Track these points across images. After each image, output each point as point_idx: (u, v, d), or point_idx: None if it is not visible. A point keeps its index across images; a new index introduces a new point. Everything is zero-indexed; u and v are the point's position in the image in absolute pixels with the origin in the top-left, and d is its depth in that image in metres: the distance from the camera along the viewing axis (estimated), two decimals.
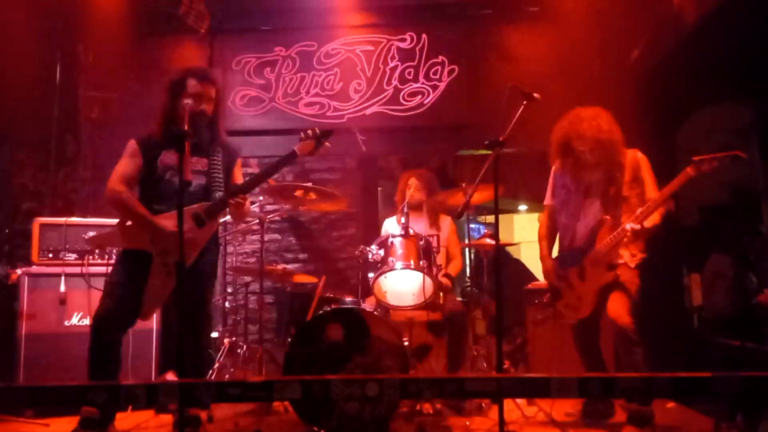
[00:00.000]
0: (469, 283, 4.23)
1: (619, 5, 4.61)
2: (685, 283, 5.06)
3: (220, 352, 4.34)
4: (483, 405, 3.78)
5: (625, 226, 3.25)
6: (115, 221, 3.37)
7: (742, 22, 3.99)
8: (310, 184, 3.92)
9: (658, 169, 3.47)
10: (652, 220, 3.27)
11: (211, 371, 4.13)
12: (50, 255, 4.21)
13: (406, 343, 3.42)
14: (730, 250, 4.58)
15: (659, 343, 4.17)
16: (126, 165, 3.22)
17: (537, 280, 4.91)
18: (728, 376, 1.85)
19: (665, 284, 4.63)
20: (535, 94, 3.09)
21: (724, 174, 3.15)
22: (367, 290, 3.72)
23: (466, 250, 4.40)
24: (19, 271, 4.06)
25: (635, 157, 3.44)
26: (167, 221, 3.05)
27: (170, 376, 3.48)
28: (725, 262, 4.54)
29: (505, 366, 4.22)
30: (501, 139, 2.95)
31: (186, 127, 2.93)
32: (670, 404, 3.82)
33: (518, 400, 3.84)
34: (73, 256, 4.22)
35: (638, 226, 3.21)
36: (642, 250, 3.43)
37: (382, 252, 3.69)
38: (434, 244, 4.03)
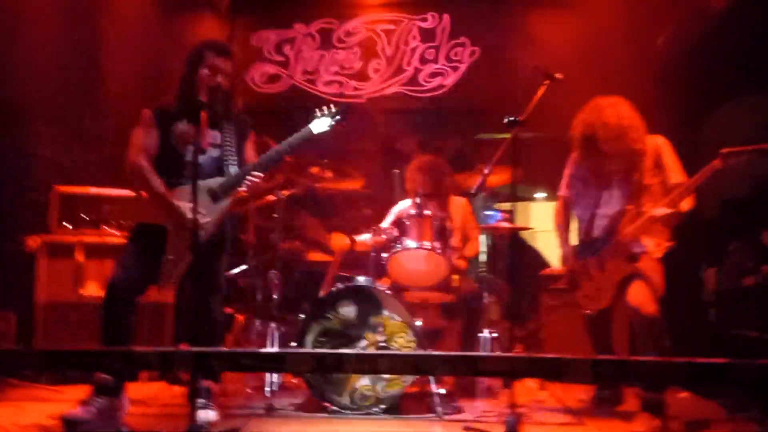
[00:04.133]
0: (483, 268, 4.19)
1: None
2: (702, 275, 5.00)
3: (234, 329, 4.36)
4: (494, 388, 3.77)
5: (654, 211, 3.19)
6: (131, 193, 3.38)
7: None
8: (326, 161, 3.90)
9: (686, 159, 3.40)
10: (688, 204, 3.22)
11: (222, 346, 4.14)
12: (68, 225, 4.25)
13: (419, 324, 3.41)
14: (751, 244, 4.51)
15: (676, 335, 4.13)
16: (144, 136, 3.21)
17: (551, 267, 4.88)
18: (746, 363, 1.83)
19: (684, 276, 4.57)
20: (558, 74, 3.04)
21: (747, 167, 3.09)
22: (381, 270, 3.71)
23: (482, 235, 4.38)
24: (37, 240, 4.10)
25: (656, 144, 3.38)
26: (182, 200, 3.04)
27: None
28: (745, 255, 4.47)
29: (518, 351, 4.20)
30: (521, 118, 2.91)
31: (203, 98, 2.93)
32: (683, 394, 3.78)
33: (530, 385, 3.83)
34: (91, 226, 4.26)
35: (668, 211, 3.15)
36: (668, 239, 3.38)
37: (396, 232, 3.68)
38: (449, 226, 4.01)
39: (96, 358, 2.19)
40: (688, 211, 3.22)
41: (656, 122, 3.42)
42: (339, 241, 4.17)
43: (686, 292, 4.64)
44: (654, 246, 3.34)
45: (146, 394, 3.65)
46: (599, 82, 4.14)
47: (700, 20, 4.41)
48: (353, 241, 4.07)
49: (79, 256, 4.16)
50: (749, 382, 2.07)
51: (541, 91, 3.06)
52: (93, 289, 4.17)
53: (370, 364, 2.14)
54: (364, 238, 3.87)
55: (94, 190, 4.33)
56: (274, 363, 2.31)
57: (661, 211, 3.16)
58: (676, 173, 3.32)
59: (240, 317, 4.43)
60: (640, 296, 3.25)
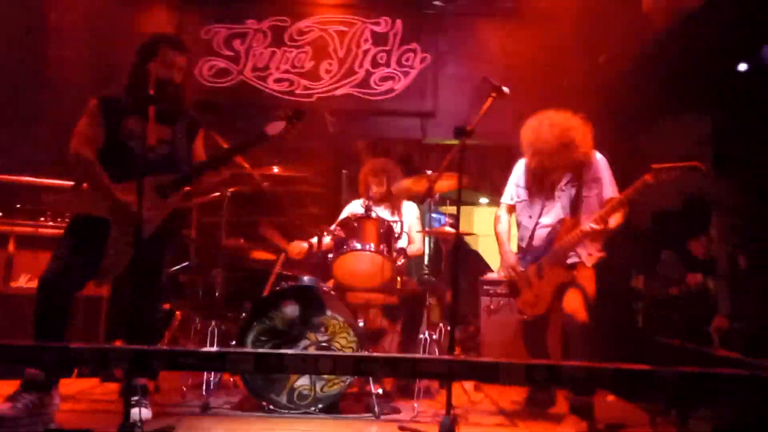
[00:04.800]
0: (426, 271, 4.27)
1: (591, 8, 4.69)
2: (633, 284, 5.24)
3: (171, 324, 4.29)
4: (431, 389, 3.85)
5: (585, 226, 3.33)
6: (70, 183, 3.29)
7: (705, 34, 4.12)
8: (276, 161, 3.90)
9: (620, 172, 3.56)
10: (617, 220, 3.36)
11: (159, 342, 4.08)
12: (0, 214, 4.09)
13: (361, 324, 3.45)
14: (679, 254, 4.76)
15: (607, 340, 4.32)
16: (89, 126, 3.13)
17: (492, 271, 5.01)
18: (666, 370, 1.95)
19: (617, 285, 4.78)
20: (505, 88, 3.14)
21: (678, 182, 3.26)
22: (326, 270, 3.73)
23: (426, 238, 4.46)
24: None
25: (594, 158, 3.53)
26: (128, 194, 2.98)
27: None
28: (673, 266, 4.71)
29: (456, 353, 4.30)
30: (468, 128, 2.99)
31: (152, 92, 2.89)
32: (610, 398, 3.96)
33: (466, 386, 3.92)
34: (25, 216, 4.12)
35: (598, 226, 3.30)
36: (599, 249, 3.53)
37: (343, 233, 3.71)
38: (396, 230, 4.07)
39: (30, 353, 2.14)
40: (617, 227, 3.37)
41: (597, 135, 3.56)
42: (297, 248, 4.17)
43: (619, 300, 4.85)
44: (587, 256, 3.48)
45: (78, 390, 3.56)
46: (544, 93, 4.27)
47: (640, 41, 4.62)
48: (311, 246, 4.09)
49: (11, 247, 4.01)
50: (669, 388, 2.21)
51: (488, 103, 3.15)
52: (25, 282, 4.03)
53: (311, 365, 2.17)
54: (325, 242, 3.89)
55: (29, 178, 4.18)
56: (215, 362, 2.30)
57: (591, 226, 3.30)
58: (611, 188, 3.47)
59: (178, 313, 4.36)
60: (574, 304, 3.38)
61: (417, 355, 3.36)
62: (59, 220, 4.13)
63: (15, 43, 4.90)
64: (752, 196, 5.07)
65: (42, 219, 4.18)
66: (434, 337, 3.87)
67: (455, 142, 3.11)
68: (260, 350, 2.36)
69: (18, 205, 4.17)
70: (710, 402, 2.83)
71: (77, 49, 5.24)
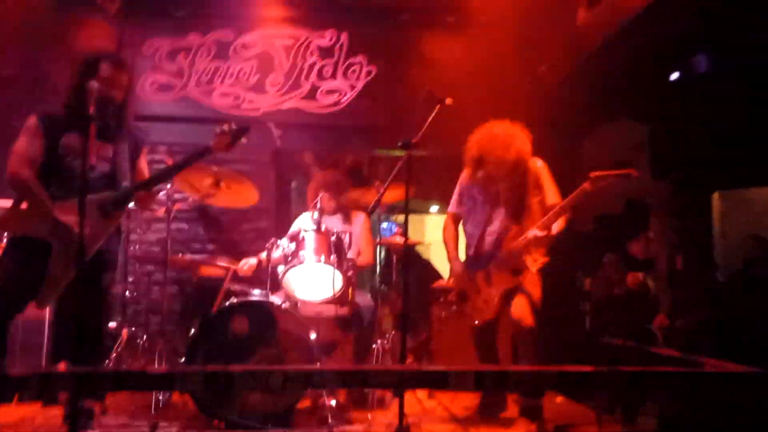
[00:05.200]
0: (379, 281, 4.30)
1: (530, 20, 4.84)
2: (579, 285, 5.40)
3: (118, 343, 4.19)
4: (385, 399, 3.87)
5: (528, 234, 3.43)
6: (8, 202, 3.18)
7: (639, 45, 4.31)
8: (219, 176, 3.85)
9: (563, 180, 3.68)
10: (558, 226, 3.47)
11: (107, 362, 3.98)
12: None
13: (313, 338, 3.44)
14: (620, 256, 4.93)
15: (555, 343, 4.43)
16: (28, 145, 3.05)
17: (443, 278, 5.07)
18: (606, 370, 2.03)
19: (563, 288, 4.92)
20: (448, 100, 3.21)
21: (618, 187, 3.39)
22: (276, 283, 3.72)
23: (378, 247, 4.50)
24: None
25: (535, 166, 3.64)
26: (69, 214, 2.91)
27: (63, 368, 3.34)
28: (615, 267, 4.88)
29: (409, 361, 4.34)
30: (413, 140, 3.05)
31: (92, 110, 2.83)
32: (559, 399, 4.06)
33: (419, 395, 3.96)
34: None
35: (541, 233, 3.40)
36: (544, 254, 3.63)
37: (293, 246, 3.70)
38: (346, 240, 4.08)
39: None
40: (559, 232, 3.49)
41: (539, 144, 3.67)
42: (246, 265, 4.13)
43: (565, 303, 4.99)
44: (532, 261, 3.58)
45: (19, 417, 3.43)
46: (488, 103, 4.37)
47: (577, 52, 4.79)
48: (260, 262, 4.06)
49: None
50: (612, 388, 2.30)
51: (432, 114, 3.21)
52: None
53: (261, 380, 2.16)
54: (275, 255, 3.86)
55: None
56: (163, 382, 2.27)
57: (534, 233, 3.40)
58: (552, 194, 3.59)
59: (125, 332, 4.26)
60: (521, 309, 3.48)
61: (367, 366, 3.38)
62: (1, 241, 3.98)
63: None
64: (687, 198, 5.31)
65: None
66: (387, 346, 3.90)
67: (403, 152, 3.17)
68: (209, 368, 2.33)
69: None
70: (653, 399, 2.94)
71: (9, 64, 5.07)
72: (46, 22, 5.13)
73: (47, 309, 3.90)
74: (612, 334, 4.47)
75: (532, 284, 3.57)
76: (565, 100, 4.93)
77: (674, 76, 4.89)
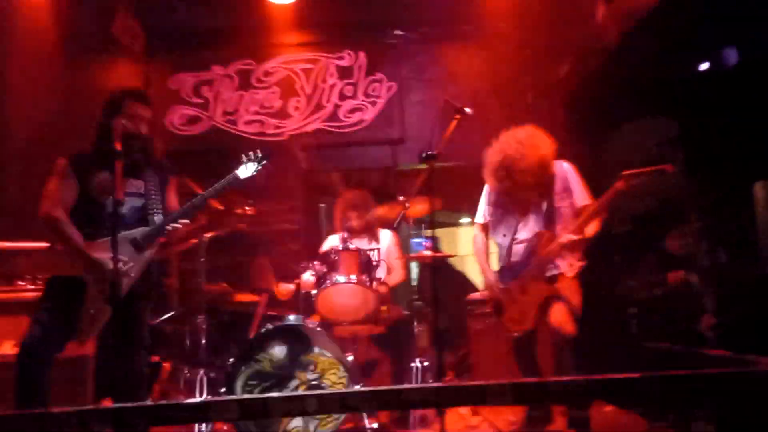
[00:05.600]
0: (416, 296, 4.27)
1: (547, 23, 4.79)
2: (618, 288, 5.25)
3: (161, 377, 4.23)
4: (427, 417, 3.80)
5: (562, 238, 3.35)
6: (45, 245, 3.26)
7: (660, 38, 4.21)
8: (251, 202, 3.90)
9: (591, 181, 3.59)
10: (593, 228, 3.39)
11: (148, 397, 4.01)
12: None
13: (350, 359, 3.42)
14: (658, 255, 4.78)
15: (598, 350, 4.31)
16: (59, 187, 3.12)
17: (478, 291, 4.99)
18: (653, 377, 1.95)
19: (602, 292, 4.79)
20: (467, 109, 3.18)
21: (652, 184, 3.29)
22: (310, 306, 3.71)
23: (411, 263, 4.47)
24: None
25: (562, 168, 3.56)
26: (103, 252, 2.96)
27: (107, 404, 3.38)
28: (653, 267, 4.73)
29: (449, 377, 4.27)
30: (435, 152, 3.02)
31: (119, 147, 2.88)
32: (608, 408, 3.93)
33: (462, 411, 3.88)
34: (3, 282, 4.06)
35: (575, 237, 3.32)
36: (579, 258, 3.54)
37: (324, 268, 3.70)
38: (375, 258, 4.06)
39: (7, 424, 2.09)
40: (594, 235, 3.39)
41: (562, 147, 3.60)
42: (284, 289, 4.14)
43: (605, 307, 4.85)
44: (567, 266, 3.49)
45: None
46: (508, 110, 4.34)
47: (599, 50, 4.71)
48: (298, 287, 4.08)
49: None
50: (659, 394, 2.21)
51: (453, 125, 3.18)
52: (7, 348, 3.96)
53: (296, 406, 2.14)
54: (306, 279, 3.87)
55: (4, 243, 4.14)
56: (198, 414, 2.26)
57: (568, 237, 3.32)
58: (582, 196, 3.50)
59: (167, 365, 4.30)
60: (560, 317, 3.38)
61: (403, 386, 3.32)
62: (38, 282, 4.08)
63: None
64: (726, 190, 5.13)
65: (21, 283, 4.12)
66: (425, 363, 3.84)
67: (426, 166, 3.14)
68: (244, 396, 2.33)
69: None
70: (706, 403, 2.82)
71: (40, 107, 5.23)
72: (74, 64, 5.30)
73: (91, 345, 3.96)
74: (657, 338, 4.32)
75: (570, 290, 3.48)
76: (588, 100, 4.85)
77: (703, 66, 4.76)
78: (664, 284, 4.64)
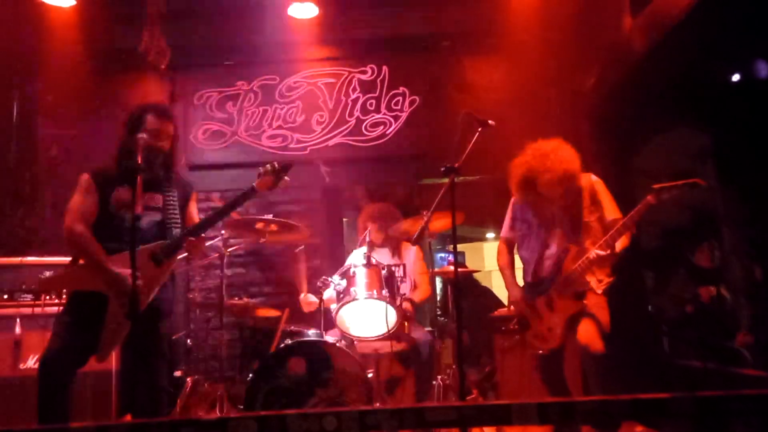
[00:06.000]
0: (439, 312, 4.21)
1: (572, 35, 4.74)
2: (648, 305, 5.11)
3: (183, 391, 4.22)
4: None
5: (591, 253, 3.26)
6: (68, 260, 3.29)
7: (689, 48, 4.12)
8: (270, 216, 3.88)
9: (619, 195, 3.51)
10: (622, 244, 3.29)
11: (171, 412, 4.00)
12: (5, 296, 4.09)
13: (370, 376, 3.37)
14: (688, 270, 4.64)
15: (628, 368, 4.18)
16: (83, 202, 3.14)
17: (505, 307, 4.91)
18: (684, 396, 1.86)
19: (632, 309, 4.67)
20: (490, 121, 3.12)
21: (683, 198, 3.20)
22: (331, 322, 3.67)
23: (435, 278, 4.41)
24: None
25: (590, 181, 3.48)
26: (123, 266, 2.97)
27: (130, 418, 3.36)
28: (684, 283, 4.59)
29: (473, 395, 4.18)
30: (456, 165, 2.97)
31: (140, 161, 2.90)
32: (639, 428, 3.80)
33: (486, 431, 3.79)
34: (29, 296, 4.11)
35: (604, 252, 3.23)
36: (609, 274, 3.44)
37: (344, 283, 3.66)
38: (399, 273, 4.01)
39: None
40: (623, 250, 3.30)
41: (589, 159, 3.53)
42: (308, 300, 4.12)
43: (635, 324, 4.72)
44: (596, 282, 3.39)
45: None
46: (533, 123, 4.28)
47: (627, 61, 4.63)
48: (321, 301, 4.05)
49: (18, 329, 3.99)
50: (691, 415, 2.11)
51: (474, 138, 3.13)
52: (33, 363, 3.99)
53: (315, 423, 2.10)
54: (328, 295, 3.84)
55: (32, 259, 4.19)
56: (215, 430, 2.23)
57: (598, 253, 3.23)
58: (611, 210, 3.41)
59: (189, 380, 4.29)
60: (588, 334, 3.28)
61: (425, 404, 3.25)
62: (64, 297, 4.12)
63: (4, 123, 5.00)
64: (760, 203, 4.97)
65: (47, 298, 4.17)
66: (447, 381, 3.76)
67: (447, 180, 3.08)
68: (261, 413, 2.29)
69: (23, 286, 4.17)
70: (741, 425, 2.70)
71: (67, 123, 5.33)
72: (100, 81, 5.40)
73: (114, 360, 3.98)
74: (689, 356, 4.18)
75: (599, 307, 3.38)
76: (615, 112, 4.76)
77: (735, 77, 4.64)
78: (696, 300, 4.50)
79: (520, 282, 3.67)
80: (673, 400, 1.88)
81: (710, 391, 1.83)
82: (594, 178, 3.49)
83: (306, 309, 4.13)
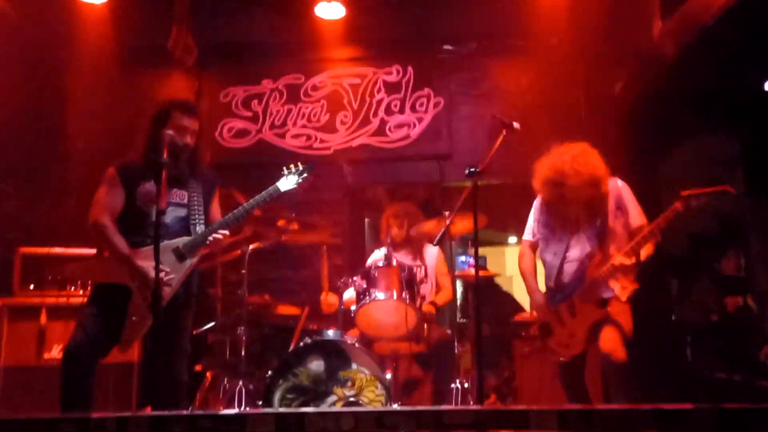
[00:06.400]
0: (459, 315, 4.19)
1: (602, 39, 4.68)
2: (673, 314, 5.03)
3: (203, 386, 4.25)
4: None
5: (615, 260, 3.22)
6: (93, 251, 3.34)
7: (720, 53, 4.05)
8: (292, 215, 3.90)
9: (643, 201, 3.45)
10: (647, 252, 3.24)
11: (191, 405, 4.04)
12: (31, 286, 4.16)
13: (389, 377, 3.36)
14: (713, 278, 4.56)
15: (651, 378, 4.12)
16: (108, 195, 3.19)
17: (525, 312, 4.87)
18: (708, 408, 1.82)
19: (656, 317, 4.60)
20: (515, 124, 3.10)
21: (711, 205, 3.14)
22: (350, 322, 3.68)
23: (457, 281, 4.39)
24: None
25: (616, 186, 3.42)
26: (147, 260, 3.00)
27: (150, 411, 3.40)
28: (708, 291, 4.51)
29: (491, 400, 4.15)
30: (480, 168, 2.95)
31: (165, 157, 2.93)
32: None
33: None
34: (55, 287, 4.18)
35: (628, 261, 3.18)
36: (633, 282, 3.39)
37: (364, 283, 3.66)
38: (420, 274, 4.00)
39: (49, 427, 2.11)
40: (648, 258, 3.25)
41: (616, 165, 3.48)
42: (329, 300, 4.13)
43: (659, 333, 4.65)
44: (620, 290, 3.34)
45: None
46: (560, 127, 4.23)
47: (655, 66, 4.57)
48: (341, 302, 4.05)
49: (43, 319, 4.06)
50: (715, 427, 2.06)
51: (499, 141, 3.11)
52: (57, 352, 4.06)
53: (332, 422, 2.10)
54: (349, 296, 3.85)
55: (58, 249, 4.26)
56: (234, 425, 2.25)
57: (622, 260, 3.18)
58: (636, 216, 3.36)
59: (209, 374, 4.33)
60: (611, 342, 3.23)
61: (442, 407, 3.24)
62: (88, 288, 4.18)
63: (34, 117, 5.09)
64: None
65: (72, 289, 4.23)
66: (466, 385, 3.74)
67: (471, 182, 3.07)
68: (280, 410, 2.30)
69: (49, 277, 4.24)
70: None
71: (95, 118, 5.42)
72: (128, 76, 5.48)
73: (136, 352, 4.03)
74: (713, 366, 4.10)
75: (622, 314, 3.32)
76: (644, 117, 4.69)
77: (767, 85, 4.55)
78: (721, 310, 4.42)
79: (542, 287, 3.64)
80: (697, 411, 1.85)
81: (735, 404, 1.80)
82: (620, 183, 3.44)
83: (326, 310, 4.13)
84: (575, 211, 3.45)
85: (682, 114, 4.64)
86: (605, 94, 5.04)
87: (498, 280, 6.37)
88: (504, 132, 3.11)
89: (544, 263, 3.62)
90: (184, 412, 3.55)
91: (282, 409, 3.08)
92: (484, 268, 4.59)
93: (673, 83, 4.51)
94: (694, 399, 1.85)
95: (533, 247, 3.69)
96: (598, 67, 4.99)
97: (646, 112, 4.71)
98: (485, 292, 4.93)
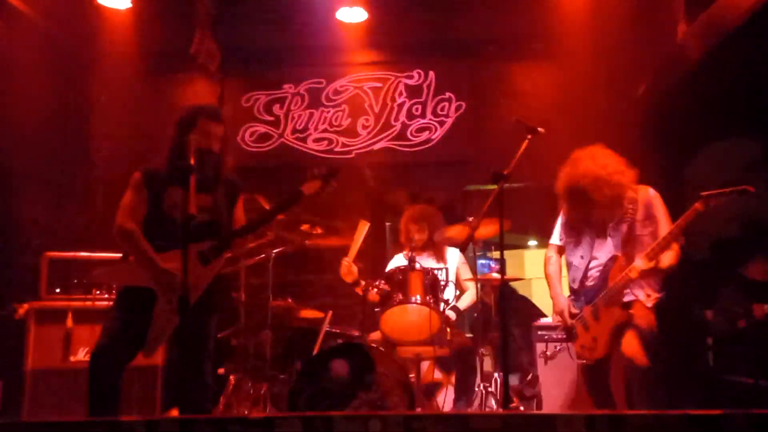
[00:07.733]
0: (480, 320, 4.17)
1: (624, 41, 4.65)
2: (697, 319, 4.97)
3: (226, 389, 4.28)
4: None
5: (634, 264, 3.20)
6: (119, 255, 3.38)
7: (744, 56, 4.01)
8: (316, 219, 3.93)
9: (666, 204, 3.43)
10: (669, 259, 3.21)
11: (214, 409, 4.07)
12: (58, 290, 4.22)
13: (412, 380, 3.36)
14: (740, 283, 4.50)
15: (675, 381, 4.08)
16: (133, 200, 3.22)
17: (545, 316, 4.84)
18: (738, 413, 1.81)
19: (679, 321, 4.55)
20: (540, 128, 3.09)
21: (734, 208, 3.11)
22: (374, 325, 3.69)
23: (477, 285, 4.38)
24: (25, 306, 4.06)
25: (647, 195, 3.40)
26: (171, 263, 3.04)
27: (174, 414, 3.43)
28: (736, 297, 4.46)
29: (514, 404, 4.13)
30: (505, 172, 2.95)
31: (192, 163, 2.96)
32: None
33: None
34: (81, 291, 4.24)
35: (647, 265, 3.16)
36: (658, 289, 3.37)
37: (388, 287, 3.67)
38: (442, 278, 4.00)
39: (79, 430, 2.14)
40: (670, 267, 3.22)
41: (639, 169, 3.45)
42: (351, 269, 4.06)
43: (683, 338, 4.61)
44: (644, 296, 3.32)
45: None
46: (581, 130, 4.21)
47: (678, 69, 4.53)
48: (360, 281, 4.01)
49: (69, 322, 4.12)
50: None
51: (524, 145, 3.10)
52: (83, 356, 4.11)
53: (360, 426, 2.11)
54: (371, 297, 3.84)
55: (84, 254, 4.32)
56: (262, 428, 2.26)
57: (641, 264, 3.16)
58: (665, 226, 3.31)
59: (232, 378, 4.36)
60: (633, 347, 3.22)
61: (469, 411, 3.25)
62: (114, 292, 4.23)
63: (60, 123, 5.16)
64: None
65: (98, 292, 4.29)
66: (489, 389, 3.73)
67: (495, 187, 3.07)
68: (307, 413, 2.31)
69: (75, 281, 4.30)
70: None
71: (120, 123, 5.49)
72: (152, 83, 5.55)
73: (160, 356, 4.07)
74: (740, 373, 4.05)
75: (645, 319, 3.31)
76: (666, 121, 4.65)
77: None
78: (748, 316, 4.36)
79: (566, 290, 3.63)
80: (726, 416, 1.84)
81: (761, 409, 1.78)
82: (652, 192, 3.41)
83: (345, 277, 4.07)
84: (599, 213, 3.44)
85: (706, 117, 4.59)
86: (628, 97, 5.00)
87: (517, 284, 6.33)
88: (528, 136, 3.10)
89: (570, 266, 3.62)
90: (213, 416, 3.60)
91: (309, 413, 3.10)
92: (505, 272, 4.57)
93: (696, 86, 4.47)
94: (720, 405, 1.85)
95: (560, 251, 3.68)
96: (621, 69, 4.95)
97: (670, 115, 4.68)
98: (503, 295, 4.89)
